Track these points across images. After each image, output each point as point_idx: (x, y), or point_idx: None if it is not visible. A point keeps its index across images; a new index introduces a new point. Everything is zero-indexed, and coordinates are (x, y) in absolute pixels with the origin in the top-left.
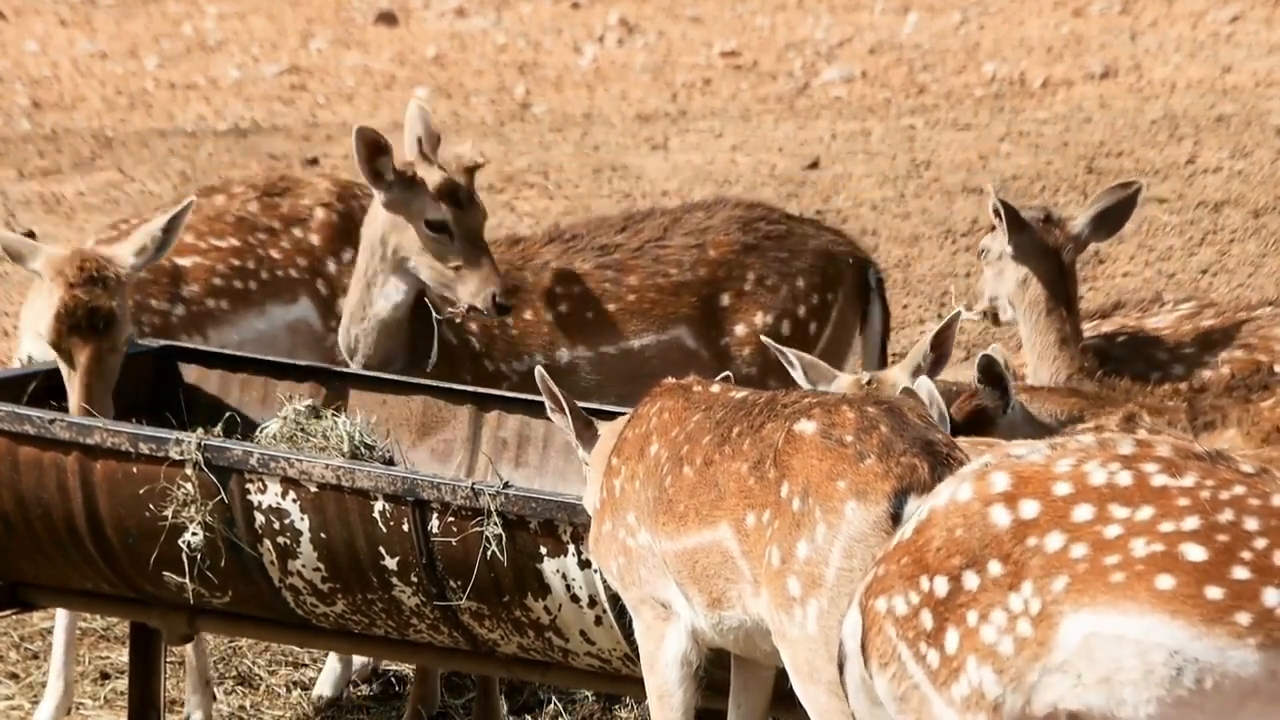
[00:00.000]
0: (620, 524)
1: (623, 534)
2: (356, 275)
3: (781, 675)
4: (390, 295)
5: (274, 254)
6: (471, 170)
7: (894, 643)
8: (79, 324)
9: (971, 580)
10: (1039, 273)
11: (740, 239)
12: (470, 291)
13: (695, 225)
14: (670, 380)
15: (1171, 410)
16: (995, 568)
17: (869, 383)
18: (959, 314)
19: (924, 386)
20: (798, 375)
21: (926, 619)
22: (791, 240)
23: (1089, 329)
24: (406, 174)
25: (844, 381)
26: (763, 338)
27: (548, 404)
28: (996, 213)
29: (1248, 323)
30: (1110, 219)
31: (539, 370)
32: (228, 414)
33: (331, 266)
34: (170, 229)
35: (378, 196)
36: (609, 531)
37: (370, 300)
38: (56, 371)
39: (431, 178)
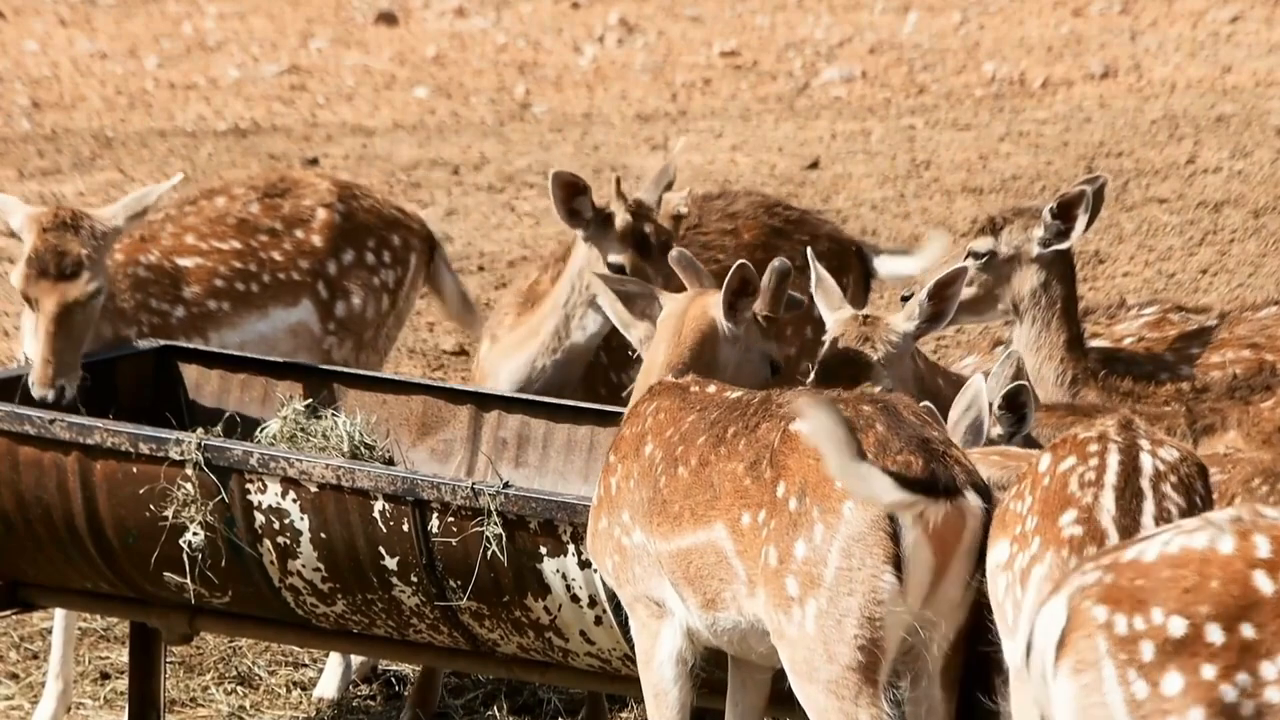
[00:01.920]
0: (615, 522)
1: (618, 532)
2: (551, 306)
3: (779, 674)
4: (587, 327)
5: (276, 256)
6: (677, 219)
7: (1100, 656)
8: (47, 268)
9: (1215, 634)
10: (1059, 274)
11: (768, 223)
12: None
13: (722, 210)
14: (669, 379)
15: (1170, 414)
16: (1249, 631)
17: (866, 319)
18: (964, 269)
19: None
20: (817, 294)
21: (1147, 650)
22: (807, 226)
23: None
24: (604, 213)
25: (844, 315)
26: (808, 251)
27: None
28: (1053, 213)
29: (1251, 322)
30: (1070, 214)
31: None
32: (226, 415)
33: (332, 268)
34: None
35: (579, 233)
36: (604, 529)
37: (568, 331)
38: None
39: (620, 219)
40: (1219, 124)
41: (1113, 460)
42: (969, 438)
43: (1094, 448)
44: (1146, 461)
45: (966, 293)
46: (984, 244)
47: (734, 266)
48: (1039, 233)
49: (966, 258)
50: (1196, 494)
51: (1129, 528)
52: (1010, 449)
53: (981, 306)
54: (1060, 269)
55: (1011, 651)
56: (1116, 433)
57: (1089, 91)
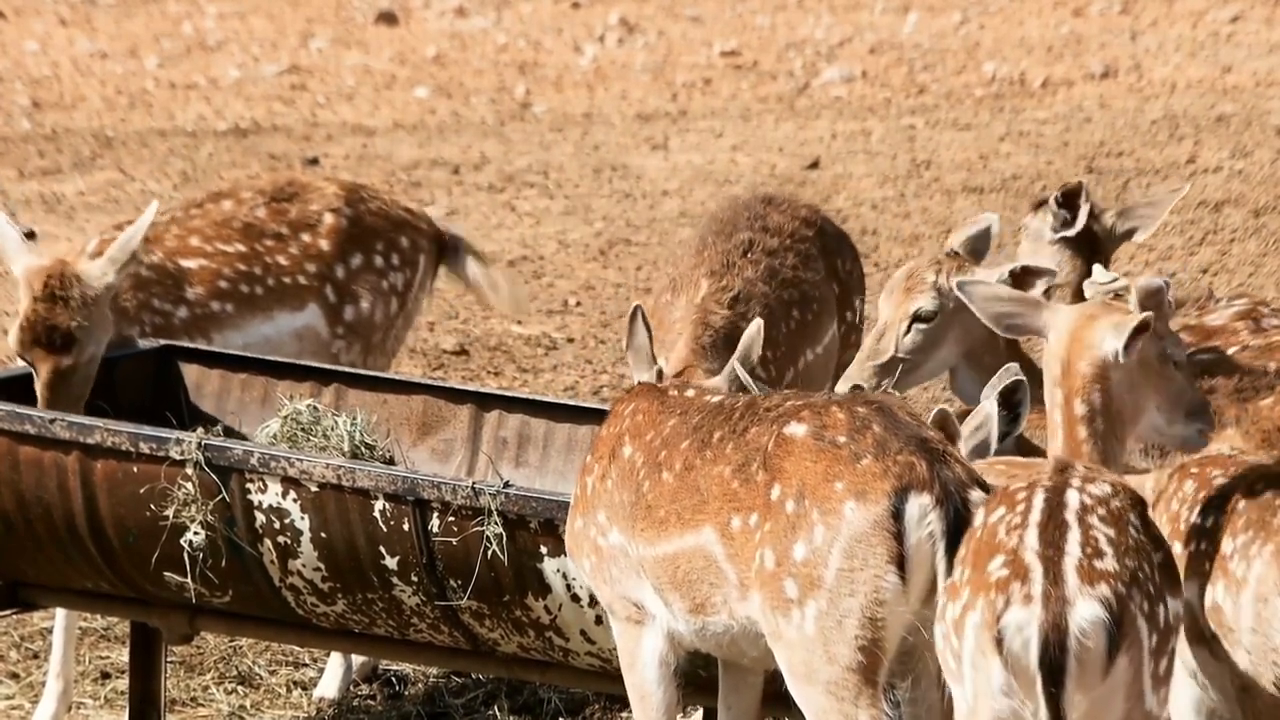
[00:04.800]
0: (591, 522)
1: (593, 532)
2: None
3: (771, 675)
4: None
5: (282, 260)
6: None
7: None
8: (39, 338)
9: None
10: (1076, 264)
11: (831, 229)
12: None
13: (789, 212)
14: (647, 381)
15: None
16: None
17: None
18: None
19: (986, 409)
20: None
21: None
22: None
23: None
24: None
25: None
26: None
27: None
28: (1058, 201)
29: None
30: (1144, 216)
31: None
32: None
33: (340, 272)
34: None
35: None
36: (580, 529)
37: None
38: None
39: None
40: (1219, 124)
41: (1038, 501)
42: (973, 458)
43: (1022, 495)
44: (1073, 497)
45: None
46: (1030, 220)
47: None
48: (1051, 221)
49: (1023, 230)
50: (1130, 525)
51: (1052, 558)
52: (1016, 459)
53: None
54: (1080, 259)
55: (959, 698)
56: (1048, 477)
57: (1089, 91)
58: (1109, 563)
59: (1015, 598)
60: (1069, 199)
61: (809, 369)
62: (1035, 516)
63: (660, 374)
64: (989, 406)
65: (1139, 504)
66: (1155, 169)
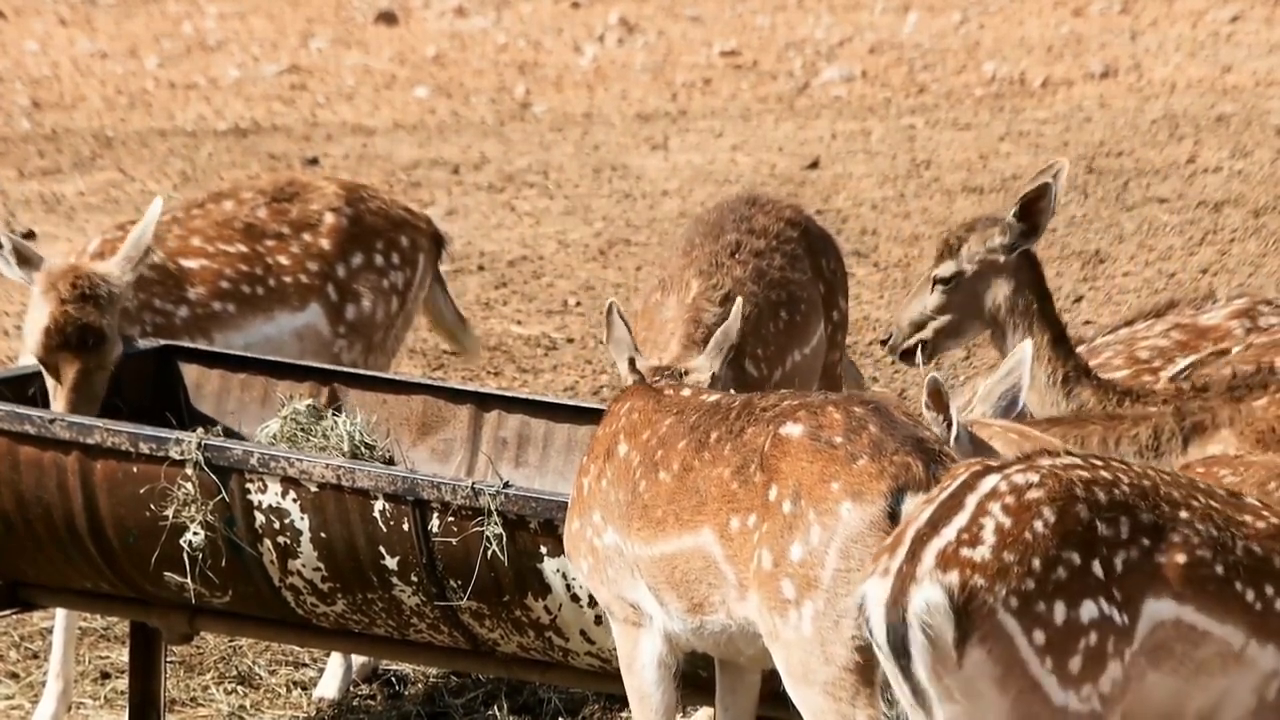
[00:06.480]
0: (587, 523)
1: (590, 533)
2: None
3: (768, 675)
4: None
5: (283, 260)
6: None
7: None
8: (68, 340)
9: None
10: (1029, 276)
11: (815, 230)
12: None
13: (774, 214)
14: (641, 382)
15: (1157, 415)
16: None
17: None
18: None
19: (1022, 350)
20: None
21: None
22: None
23: (1143, 328)
24: None
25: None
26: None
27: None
28: (1020, 214)
29: None
30: (1033, 210)
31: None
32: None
33: (341, 271)
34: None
35: None
36: (577, 530)
37: None
38: None
39: None
40: (1219, 124)
41: (959, 479)
42: (1003, 404)
43: (960, 469)
44: (989, 482)
45: (942, 321)
46: (948, 268)
47: None
48: (1001, 240)
49: (934, 288)
50: (1039, 519)
51: (924, 537)
52: (1029, 430)
53: (962, 327)
54: (1029, 271)
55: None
56: (1005, 462)
57: (1089, 91)
58: (980, 552)
59: (878, 569)
60: (1028, 208)
61: (797, 369)
62: (944, 495)
63: (632, 362)
64: (1026, 349)
65: (1051, 500)
66: (1155, 169)
